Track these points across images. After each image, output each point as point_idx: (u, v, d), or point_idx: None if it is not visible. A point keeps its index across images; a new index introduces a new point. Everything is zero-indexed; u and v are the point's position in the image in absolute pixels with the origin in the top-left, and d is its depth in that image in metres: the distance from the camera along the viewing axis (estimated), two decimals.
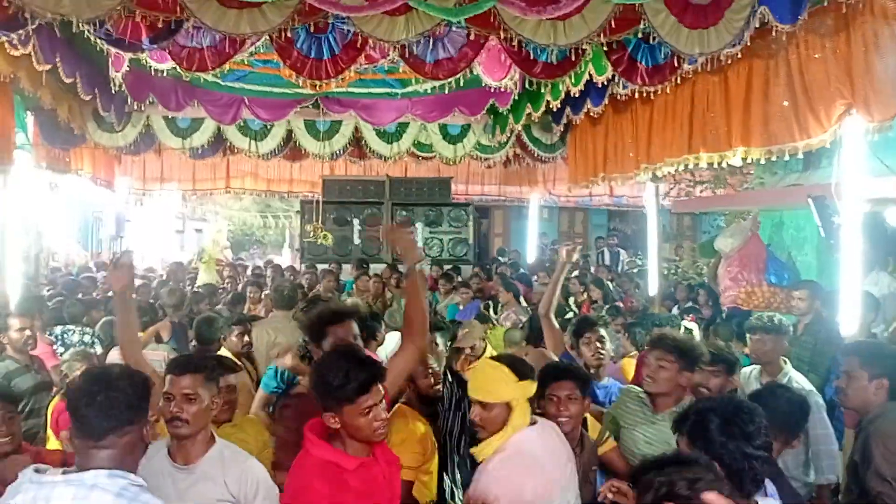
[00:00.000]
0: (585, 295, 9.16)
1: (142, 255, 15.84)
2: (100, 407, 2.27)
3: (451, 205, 12.89)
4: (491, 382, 3.05)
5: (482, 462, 3.00)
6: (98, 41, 5.97)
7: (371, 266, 10.80)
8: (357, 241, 12.69)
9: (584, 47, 5.79)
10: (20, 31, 5.54)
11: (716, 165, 6.79)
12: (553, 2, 4.80)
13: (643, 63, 6.28)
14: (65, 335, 6.21)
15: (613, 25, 5.22)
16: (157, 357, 5.89)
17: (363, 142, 10.48)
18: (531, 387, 3.11)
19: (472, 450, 3.08)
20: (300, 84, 8.54)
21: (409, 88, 8.96)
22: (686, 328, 6.58)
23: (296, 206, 19.80)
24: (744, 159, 6.08)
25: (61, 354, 6.07)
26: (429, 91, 8.76)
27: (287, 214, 21.41)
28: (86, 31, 5.44)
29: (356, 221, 12.72)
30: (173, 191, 14.26)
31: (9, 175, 8.05)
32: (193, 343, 6.60)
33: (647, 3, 5.20)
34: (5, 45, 5.88)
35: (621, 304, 8.40)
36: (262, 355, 6.16)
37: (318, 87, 8.56)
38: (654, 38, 5.49)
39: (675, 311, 8.71)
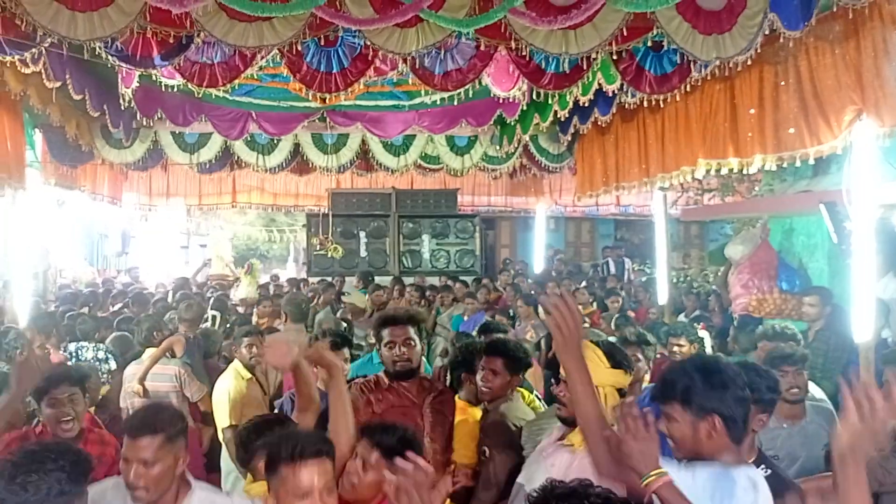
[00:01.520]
0: (594, 306, 9.14)
1: (147, 270, 15.87)
2: (26, 489, 2.15)
3: (457, 216, 12.91)
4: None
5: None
6: (109, 58, 5.99)
7: (377, 279, 10.81)
8: (363, 253, 12.69)
9: (593, 56, 5.79)
10: (33, 50, 5.59)
11: (725, 172, 6.81)
12: (564, 11, 4.81)
13: (651, 71, 6.28)
14: (79, 351, 6.20)
15: (625, 33, 5.21)
16: (167, 372, 5.88)
17: (370, 154, 10.50)
18: (623, 378, 3.02)
19: (570, 436, 2.96)
20: (308, 98, 8.59)
21: (416, 100, 8.98)
22: (699, 336, 6.55)
23: (301, 220, 19.85)
24: (758, 165, 6.08)
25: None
26: (437, 102, 8.76)
27: (292, 229, 21.42)
28: (97, 49, 5.46)
29: (362, 234, 12.73)
30: (179, 206, 14.29)
31: (18, 192, 8.09)
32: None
33: (660, 11, 5.20)
34: (16, 64, 5.91)
35: (633, 314, 8.36)
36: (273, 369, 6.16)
37: (325, 101, 8.59)
38: (667, 45, 5.49)
39: (681, 319, 8.69)
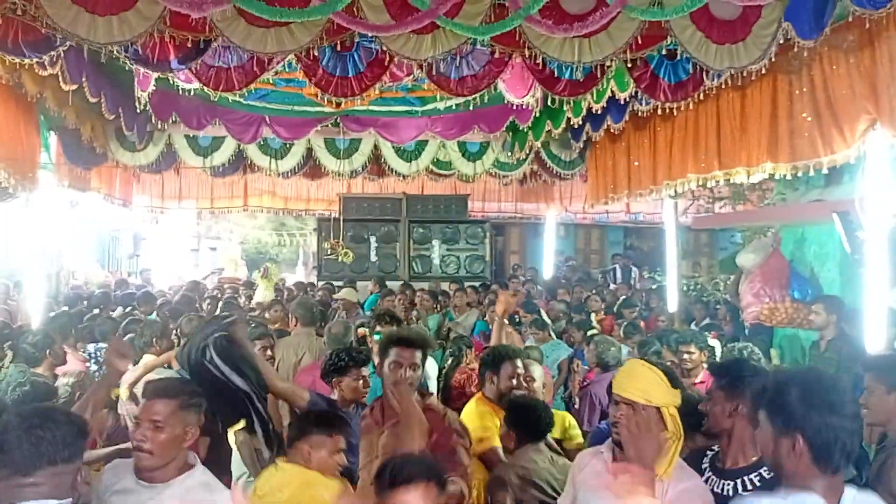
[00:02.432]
0: (604, 313, 9.14)
1: (158, 273, 15.93)
2: (31, 442, 2.21)
3: (467, 222, 12.93)
4: (646, 383, 2.86)
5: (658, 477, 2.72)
6: (125, 61, 6.04)
7: (388, 284, 10.83)
8: (374, 258, 12.72)
9: (607, 64, 5.82)
10: (51, 53, 5.64)
11: (737, 181, 6.82)
12: (580, 19, 4.84)
13: (666, 79, 6.31)
14: (98, 353, 6.23)
15: (639, 42, 5.24)
16: None
17: (382, 159, 10.54)
18: (678, 398, 2.95)
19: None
20: (322, 103, 8.63)
21: (429, 106, 9.01)
22: (709, 345, 6.54)
23: (310, 224, 19.89)
24: (771, 175, 6.09)
25: (94, 372, 6.12)
26: (451, 108, 8.80)
27: (302, 233, 21.48)
28: (114, 52, 5.50)
29: (373, 239, 12.75)
30: (191, 209, 14.36)
31: (32, 194, 8.16)
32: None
33: (674, 20, 5.23)
34: (33, 66, 5.96)
35: (643, 323, 8.36)
36: (286, 371, 6.16)
37: (338, 106, 8.63)
38: (681, 54, 5.52)
39: (692, 327, 8.68)
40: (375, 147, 10.29)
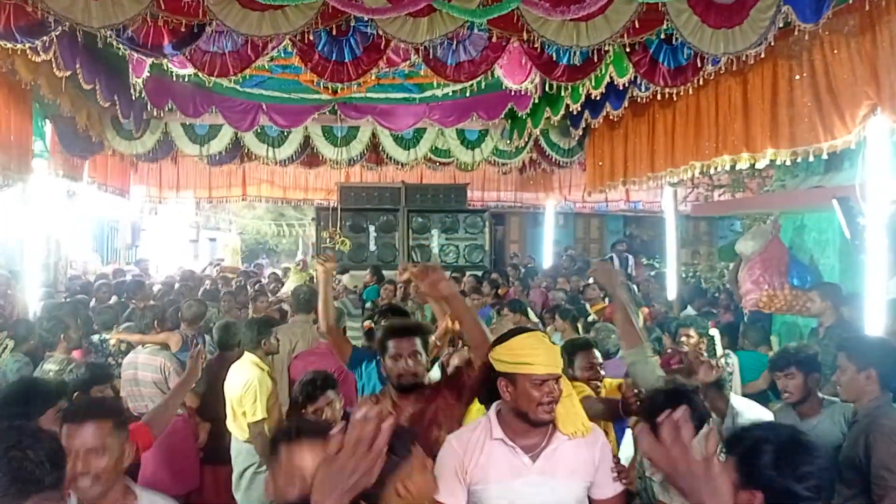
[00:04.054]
0: (607, 300, 9.08)
1: (157, 263, 15.91)
2: (13, 465, 1.99)
3: (467, 211, 12.90)
4: (557, 352, 2.88)
5: None
6: (119, 46, 5.99)
7: (386, 273, 10.80)
8: (373, 247, 12.69)
9: (605, 49, 5.77)
10: (44, 38, 5.58)
11: (740, 168, 6.78)
12: (577, 1, 4.79)
13: (665, 64, 6.26)
14: (102, 344, 6.22)
15: (637, 26, 5.19)
16: (154, 363, 5.84)
17: (380, 148, 10.48)
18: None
19: (567, 430, 2.86)
20: (319, 90, 8.58)
21: (427, 93, 8.96)
22: (708, 332, 6.51)
23: (310, 214, 19.86)
24: (772, 161, 6.04)
25: (102, 363, 6.10)
26: (449, 95, 8.74)
27: (301, 223, 21.46)
28: (108, 37, 5.45)
29: (372, 228, 12.73)
30: (189, 199, 14.31)
31: (27, 184, 8.11)
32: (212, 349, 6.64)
33: (670, 3, 5.18)
34: (27, 52, 5.90)
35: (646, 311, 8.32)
36: (281, 360, 6.15)
37: (335, 93, 8.58)
38: (676, 39, 5.46)
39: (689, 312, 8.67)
40: (373, 135, 10.23)
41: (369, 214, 12.71)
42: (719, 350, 6.65)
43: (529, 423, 2.80)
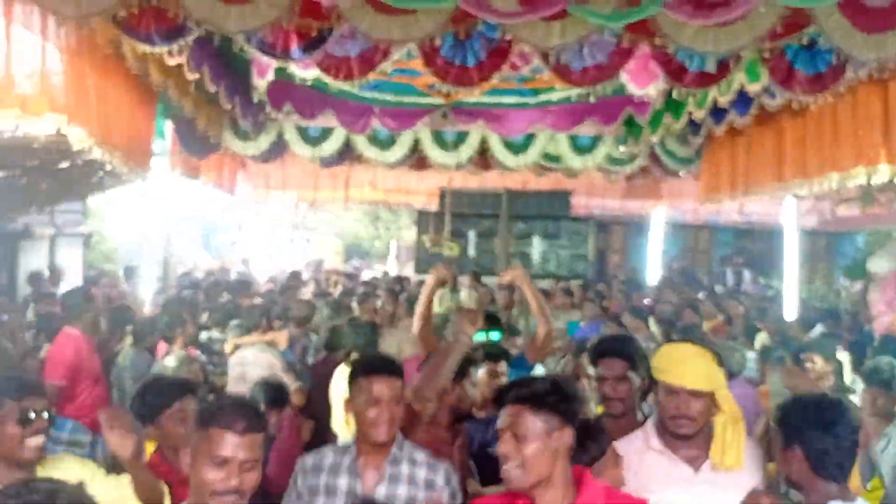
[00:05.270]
0: (721, 317, 8.74)
1: (257, 262, 16.31)
2: None
3: (570, 218, 12.68)
4: (703, 368, 2.76)
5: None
6: (247, 50, 6.09)
7: (484, 279, 10.72)
8: (472, 253, 12.64)
9: (741, 54, 5.50)
10: (180, 42, 5.73)
11: (875, 181, 6.37)
12: (723, 4, 4.56)
13: (803, 71, 5.92)
14: (210, 342, 6.36)
15: (779, 30, 4.91)
16: (261, 361, 5.94)
17: (489, 152, 10.39)
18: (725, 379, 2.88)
19: (713, 458, 2.74)
20: (432, 94, 8.57)
21: (542, 98, 8.81)
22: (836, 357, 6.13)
23: (404, 217, 20.01)
24: None
25: (205, 362, 6.25)
26: (572, 99, 8.55)
27: (397, 226, 21.62)
28: (241, 41, 5.55)
29: (472, 233, 12.69)
30: (289, 200, 14.61)
31: (146, 182, 8.42)
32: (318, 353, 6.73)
33: (819, 6, 4.88)
34: (160, 56, 6.07)
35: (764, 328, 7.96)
36: None
37: (448, 97, 8.55)
38: (823, 44, 5.16)
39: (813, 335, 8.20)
40: (483, 139, 10.14)
41: (470, 220, 12.69)
42: (847, 377, 6.28)
43: (670, 434, 2.79)
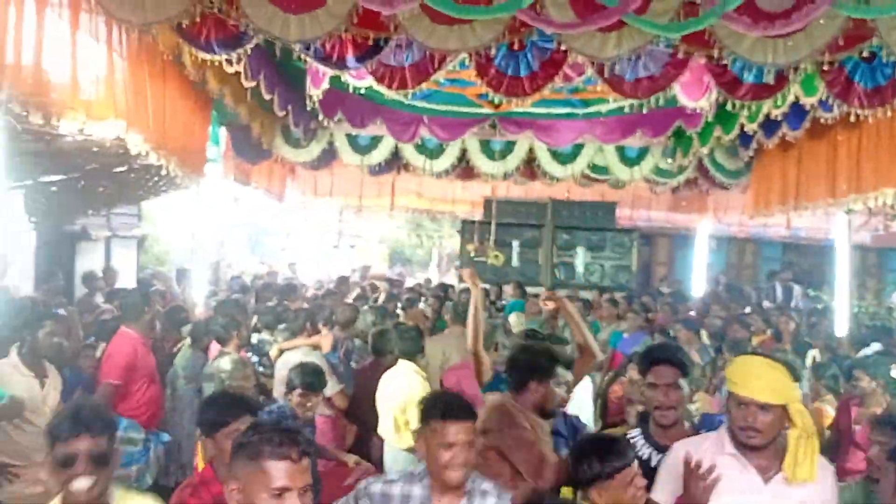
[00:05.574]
0: (769, 332, 8.61)
1: (304, 267, 16.51)
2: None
3: (614, 230, 12.61)
4: (771, 380, 2.77)
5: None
6: (304, 59, 6.21)
7: (528, 289, 10.69)
8: (516, 263, 12.62)
9: (798, 67, 5.44)
10: (238, 50, 5.86)
11: None
12: (784, 16, 4.53)
13: (861, 84, 5.85)
14: (260, 343, 6.46)
15: (841, 43, 4.86)
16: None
17: (535, 162, 10.40)
18: (799, 393, 2.91)
19: (787, 472, 2.76)
20: (481, 104, 8.63)
21: (591, 109, 8.81)
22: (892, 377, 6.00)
23: (446, 226, 20.08)
24: None
25: (255, 364, 6.36)
26: (617, 110, 8.54)
27: (439, 234, 21.73)
28: (298, 50, 5.66)
29: (516, 243, 12.67)
30: (335, 206, 14.80)
31: (200, 187, 8.60)
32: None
33: (881, 18, 4.82)
34: (218, 64, 6.21)
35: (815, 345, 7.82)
36: (434, 368, 6.19)
37: (497, 107, 8.60)
38: (886, 57, 5.09)
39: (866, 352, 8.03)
40: (530, 149, 10.17)
41: (513, 229, 12.67)
42: None
43: (740, 444, 2.82)
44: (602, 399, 6.46)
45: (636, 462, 2.94)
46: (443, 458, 2.80)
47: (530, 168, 10.85)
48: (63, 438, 2.51)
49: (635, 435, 3.56)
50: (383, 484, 2.95)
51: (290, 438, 2.19)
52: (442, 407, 2.90)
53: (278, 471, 2.12)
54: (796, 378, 2.87)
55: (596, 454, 2.87)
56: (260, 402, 5.37)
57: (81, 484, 2.50)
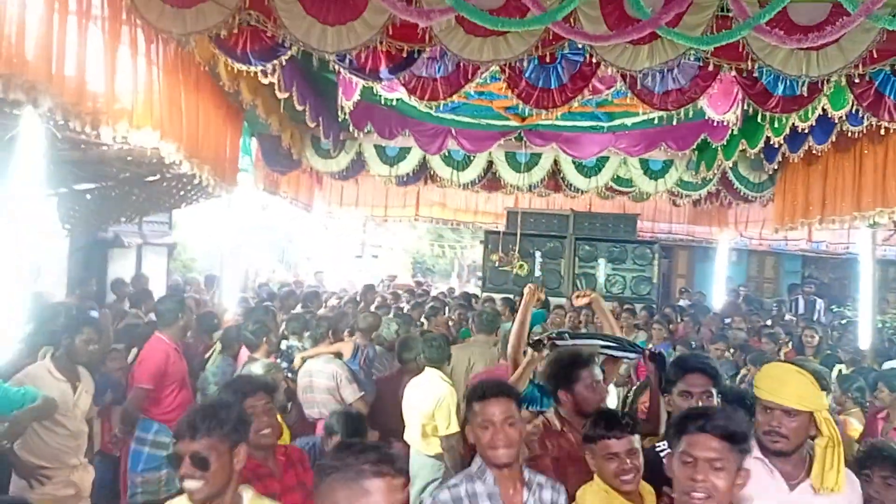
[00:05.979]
0: (791, 345, 8.60)
1: (329, 276, 16.63)
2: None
3: (635, 242, 12.62)
4: (799, 387, 2.79)
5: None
6: (337, 70, 6.32)
7: (551, 300, 10.72)
8: (538, 273, 12.65)
9: (829, 80, 5.47)
10: (273, 62, 5.98)
11: None
12: (817, 29, 4.60)
13: (891, 97, 5.87)
14: (289, 350, 6.54)
15: (875, 55, 4.90)
16: (327, 370, 6.04)
17: (560, 174, 10.48)
18: (827, 401, 2.95)
19: (814, 480, 2.78)
20: (508, 116, 8.71)
21: (616, 122, 8.88)
22: None
23: (467, 237, 20.14)
24: None
25: (284, 370, 6.43)
26: (647, 123, 8.60)
27: (461, 245, 21.83)
28: (330, 62, 5.76)
29: (538, 254, 12.70)
30: (359, 216, 14.91)
31: (232, 196, 8.73)
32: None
33: None
34: (253, 75, 6.33)
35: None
36: (459, 376, 6.22)
37: (524, 119, 8.69)
38: None
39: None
40: (555, 162, 10.25)
41: (536, 240, 12.70)
42: None
43: (765, 449, 2.83)
44: (630, 410, 6.48)
45: (628, 441, 3.04)
46: (485, 438, 2.90)
47: (554, 180, 10.93)
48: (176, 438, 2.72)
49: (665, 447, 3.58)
50: (446, 491, 2.98)
51: (388, 456, 2.13)
52: (480, 389, 3.03)
53: (378, 489, 2.05)
54: (824, 387, 2.90)
55: (592, 420, 3.15)
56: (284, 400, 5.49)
57: (188, 485, 2.65)
